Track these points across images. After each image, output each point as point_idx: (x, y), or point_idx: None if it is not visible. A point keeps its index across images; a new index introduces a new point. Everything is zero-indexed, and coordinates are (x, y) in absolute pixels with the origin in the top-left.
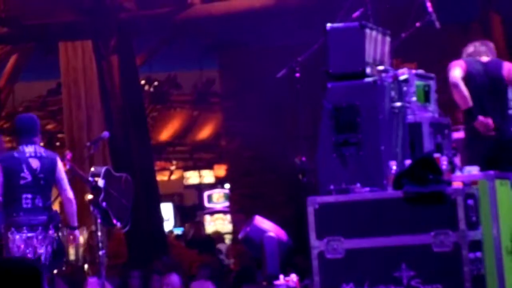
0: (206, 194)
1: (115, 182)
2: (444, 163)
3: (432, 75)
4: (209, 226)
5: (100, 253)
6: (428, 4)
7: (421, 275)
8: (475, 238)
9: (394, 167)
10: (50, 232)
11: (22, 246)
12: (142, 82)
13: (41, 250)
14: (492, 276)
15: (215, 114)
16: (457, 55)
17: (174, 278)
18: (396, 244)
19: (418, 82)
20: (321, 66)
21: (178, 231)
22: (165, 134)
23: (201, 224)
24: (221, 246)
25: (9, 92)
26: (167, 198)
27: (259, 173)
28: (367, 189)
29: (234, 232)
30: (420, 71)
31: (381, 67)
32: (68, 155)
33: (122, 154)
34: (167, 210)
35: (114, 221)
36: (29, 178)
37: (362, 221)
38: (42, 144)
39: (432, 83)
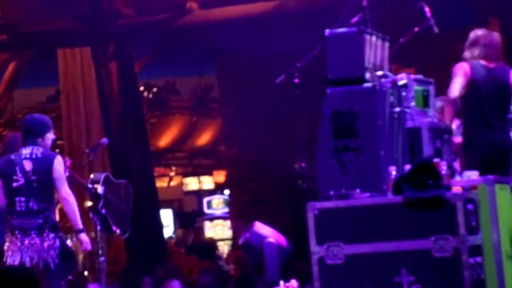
0: (205, 200)
1: (115, 189)
2: (443, 168)
3: (431, 80)
4: (208, 232)
5: (100, 259)
6: (427, 9)
7: (421, 280)
8: (475, 243)
9: (394, 172)
10: (49, 236)
11: (15, 250)
12: (141, 88)
13: (44, 256)
14: (492, 281)
15: (214, 120)
16: (455, 60)
17: (175, 285)
18: (396, 250)
19: (417, 87)
20: (320, 72)
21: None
22: (164, 140)
23: (200, 230)
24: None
25: (8, 99)
26: (166, 204)
27: (258, 179)
28: (367, 194)
29: (234, 238)
30: (419, 76)
31: (380, 73)
32: (68, 162)
33: (121, 161)
34: (166, 216)
35: (114, 228)
36: (22, 180)
37: (362, 227)
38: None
39: (431, 88)
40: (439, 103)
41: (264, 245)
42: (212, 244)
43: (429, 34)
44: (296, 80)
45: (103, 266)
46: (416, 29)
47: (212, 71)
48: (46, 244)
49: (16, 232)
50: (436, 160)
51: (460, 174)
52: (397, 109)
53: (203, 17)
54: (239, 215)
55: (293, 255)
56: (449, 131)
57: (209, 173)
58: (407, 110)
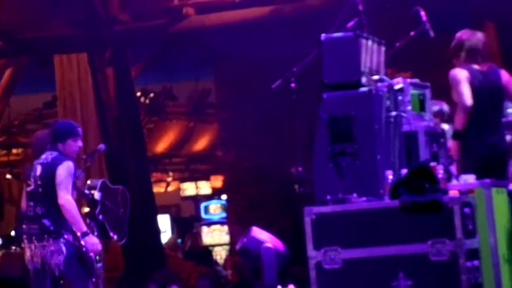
0: (203, 205)
1: (112, 195)
2: (440, 171)
3: (427, 84)
4: (206, 237)
5: (98, 266)
6: (422, 13)
7: (418, 284)
8: (472, 246)
9: (391, 177)
10: (49, 241)
11: (28, 254)
12: (138, 94)
13: (48, 261)
14: (489, 285)
15: (211, 125)
16: (451, 65)
17: None
18: (393, 254)
19: (413, 91)
20: (316, 77)
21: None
22: (161, 145)
23: (198, 236)
24: None
25: (5, 105)
26: (164, 210)
27: (255, 184)
28: (364, 198)
29: (231, 243)
30: (415, 80)
31: (376, 77)
32: None
33: (118, 167)
34: (164, 221)
35: (111, 234)
36: (32, 185)
37: (359, 231)
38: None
39: (427, 92)
40: (436, 107)
41: (262, 250)
42: (209, 249)
43: (425, 38)
44: (293, 85)
45: (100, 272)
46: (412, 33)
47: (209, 76)
48: (48, 249)
49: (25, 237)
50: (432, 164)
51: (457, 177)
52: (394, 113)
53: (200, 22)
54: (237, 220)
55: (290, 260)
56: (460, 135)
57: (206, 178)
58: (404, 114)
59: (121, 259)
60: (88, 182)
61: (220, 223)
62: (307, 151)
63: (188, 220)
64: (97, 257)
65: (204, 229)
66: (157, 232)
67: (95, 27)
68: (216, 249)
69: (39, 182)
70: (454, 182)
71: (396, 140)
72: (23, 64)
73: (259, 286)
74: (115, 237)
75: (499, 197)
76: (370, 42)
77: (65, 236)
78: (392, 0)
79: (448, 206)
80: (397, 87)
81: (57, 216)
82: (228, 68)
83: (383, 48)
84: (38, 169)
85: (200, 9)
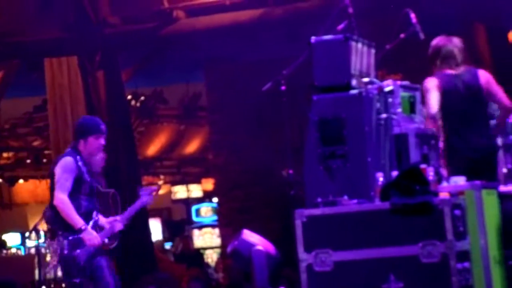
0: (194, 208)
1: (103, 198)
2: (430, 173)
3: (417, 86)
4: (197, 240)
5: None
6: (412, 15)
7: (409, 286)
8: (463, 248)
9: (381, 179)
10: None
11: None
12: (129, 97)
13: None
14: (480, 286)
15: (202, 128)
16: None
17: None
18: (384, 256)
19: (403, 93)
20: (306, 79)
21: (167, 245)
22: (152, 149)
23: (189, 239)
24: None
25: None
26: (155, 213)
27: (246, 187)
28: (355, 201)
29: (223, 246)
30: (405, 83)
31: (366, 79)
32: None
33: (109, 170)
34: (155, 225)
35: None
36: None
37: (350, 233)
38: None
39: (417, 94)
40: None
41: (253, 253)
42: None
43: (415, 40)
44: (283, 88)
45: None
46: (402, 35)
47: (200, 79)
48: (54, 251)
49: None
50: (423, 166)
51: (447, 179)
52: (384, 115)
53: (190, 25)
54: (228, 223)
55: (281, 262)
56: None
57: (197, 181)
58: (394, 116)
59: (113, 263)
60: None
61: (212, 226)
62: (298, 153)
63: (180, 223)
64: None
65: (196, 232)
66: (148, 235)
67: (86, 30)
68: (208, 252)
69: (50, 182)
70: (444, 184)
71: (387, 142)
72: (14, 68)
73: None
74: (106, 240)
75: (489, 198)
76: (360, 45)
77: (57, 238)
78: (382, 2)
79: (438, 208)
80: (387, 89)
81: (54, 215)
82: (219, 71)
83: (373, 51)
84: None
85: (191, 12)
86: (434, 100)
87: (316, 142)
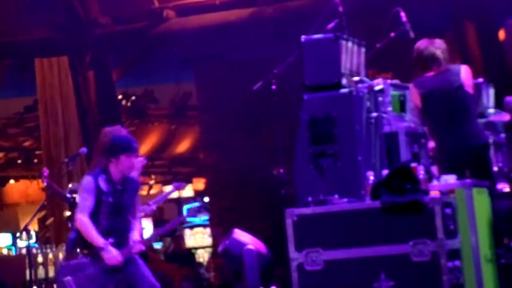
0: (185, 208)
1: None
2: (421, 172)
3: (408, 84)
4: (189, 240)
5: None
6: (402, 14)
7: (400, 285)
8: (454, 246)
9: (372, 178)
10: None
11: None
12: (119, 97)
13: None
14: (471, 285)
15: (192, 128)
16: None
17: None
18: (375, 255)
19: (393, 92)
20: (297, 78)
21: (158, 245)
22: (143, 148)
23: (181, 238)
24: None
25: None
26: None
27: (237, 186)
28: (345, 200)
29: (214, 246)
30: (395, 81)
31: (356, 78)
32: (45, 172)
33: None
34: (146, 224)
35: None
36: None
37: (340, 232)
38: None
39: (407, 93)
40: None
41: (244, 252)
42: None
43: (405, 39)
44: (274, 87)
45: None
46: (392, 34)
47: (190, 79)
48: None
49: None
50: (413, 164)
51: (438, 178)
52: (374, 114)
53: (180, 25)
54: (219, 222)
55: (272, 261)
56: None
57: (188, 180)
58: (384, 115)
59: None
60: (70, 185)
61: (203, 225)
62: (289, 153)
63: None
64: None
65: (187, 231)
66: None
67: (76, 30)
68: (199, 251)
69: None
70: (435, 182)
71: (377, 141)
72: (4, 68)
73: None
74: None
75: (480, 197)
76: (350, 44)
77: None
78: (372, 1)
79: (429, 207)
80: (377, 88)
81: (76, 232)
82: (209, 70)
83: (363, 50)
84: None
85: (181, 12)
86: (414, 113)
87: (307, 141)
